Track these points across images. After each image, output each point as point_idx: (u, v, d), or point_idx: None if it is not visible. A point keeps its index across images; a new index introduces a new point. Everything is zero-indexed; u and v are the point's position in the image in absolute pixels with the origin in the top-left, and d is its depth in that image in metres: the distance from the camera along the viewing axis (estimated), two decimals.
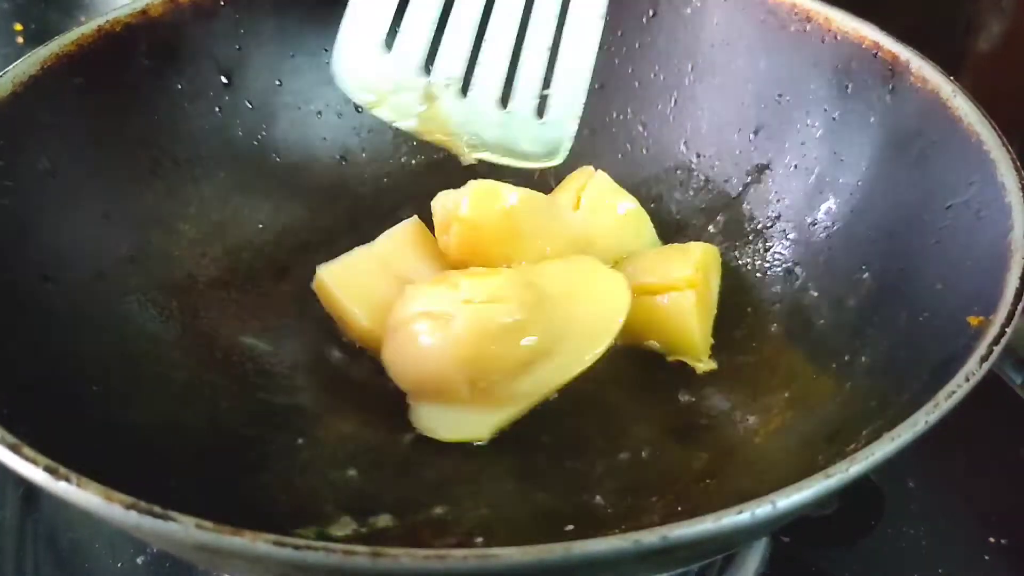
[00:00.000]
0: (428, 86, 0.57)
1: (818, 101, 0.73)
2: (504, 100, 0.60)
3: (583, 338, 0.62)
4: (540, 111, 0.61)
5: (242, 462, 0.62)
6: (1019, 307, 0.53)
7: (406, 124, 0.58)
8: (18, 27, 1.10)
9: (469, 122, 0.59)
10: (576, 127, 0.63)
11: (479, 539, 0.59)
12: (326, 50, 0.79)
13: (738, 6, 0.76)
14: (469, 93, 0.58)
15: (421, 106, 0.57)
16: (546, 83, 0.62)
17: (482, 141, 0.60)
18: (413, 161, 0.81)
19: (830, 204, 0.71)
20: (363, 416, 0.66)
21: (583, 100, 0.62)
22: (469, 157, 0.61)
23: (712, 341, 0.69)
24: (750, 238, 0.75)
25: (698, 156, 0.78)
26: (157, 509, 0.44)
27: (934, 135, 0.66)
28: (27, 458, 0.47)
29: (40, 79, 0.66)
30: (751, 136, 0.76)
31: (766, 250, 0.75)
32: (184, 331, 0.69)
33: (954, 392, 0.50)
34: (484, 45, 0.58)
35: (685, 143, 0.79)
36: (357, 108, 0.80)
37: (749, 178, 0.76)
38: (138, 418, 0.62)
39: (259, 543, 0.42)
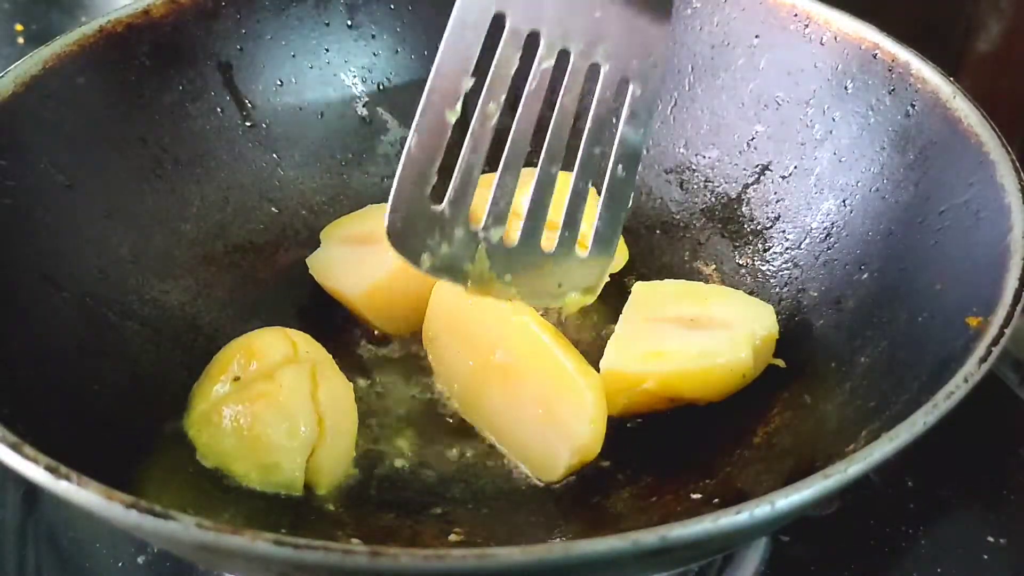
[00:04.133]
0: (476, 238, 0.58)
1: (818, 102, 0.73)
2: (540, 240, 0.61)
3: None
4: (582, 247, 0.63)
5: None
6: (1018, 308, 0.53)
7: (460, 284, 0.59)
8: (19, 27, 1.11)
9: (513, 271, 0.60)
10: (612, 260, 0.64)
11: (479, 539, 0.60)
12: (327, 50, 0.80)
13: (738, 7, 0.76)
14: (515, 241, 0.60)
15: (470, 262, 0.59)
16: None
17: (526, 290, 0.61)
18: None
19: (829, 205, 0.71)
20: (364, 416, 0.66)
21: (620, 231, 0.63)
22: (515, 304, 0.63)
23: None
24: (750, 238, 0.76)
25: (698, 156, 0.78)
26: (157, 509, 0.44)
27: (934, 136, 0.66)
28: (28, 457, 0.47)
29: (42, 79, 0.66)
30: (751, 137, 0.76)
31: (766, 250, 0.75)
32: (186, 331, 0.69)
33: (953, 393, 0.50)
34: (532, 193, 0.60)
35: (685, 144, 0.79)
36: (358, 109, 0.81)
37: (749, 179, 0.76)
38: (139, 418, 0.62)
39: (259, 542, 0.42)
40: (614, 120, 0.61)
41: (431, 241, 0.57)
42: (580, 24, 0.59)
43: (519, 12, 0.57)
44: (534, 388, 0.63)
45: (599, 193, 0.62)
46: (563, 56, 0.59)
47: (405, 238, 0.57)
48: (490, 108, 0.58)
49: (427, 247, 0.57)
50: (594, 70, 0.60)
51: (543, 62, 0.58)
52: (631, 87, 0.61)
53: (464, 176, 0.58)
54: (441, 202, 0.57)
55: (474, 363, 0.66)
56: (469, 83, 0.57)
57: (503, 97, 0.58)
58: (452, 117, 0.56)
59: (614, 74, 0.61)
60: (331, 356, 0.66)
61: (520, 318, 0.63)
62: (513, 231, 0.60)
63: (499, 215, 0.59)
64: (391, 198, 0.56)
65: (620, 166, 0.61)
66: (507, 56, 0.57)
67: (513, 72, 0.58)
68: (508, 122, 0.58)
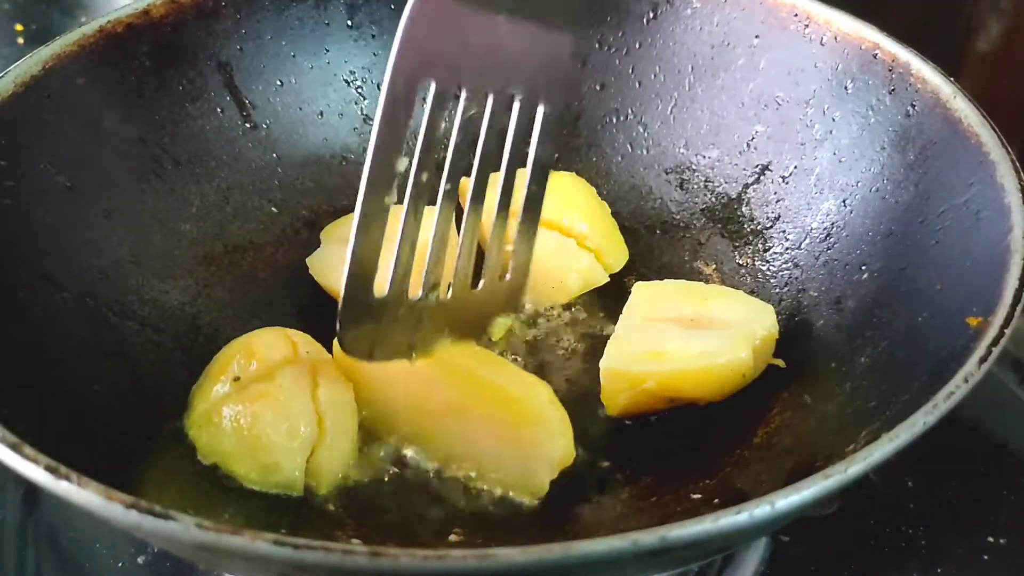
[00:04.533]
0: (417, 308, 0.58)
1: (818, 102, 0.73)
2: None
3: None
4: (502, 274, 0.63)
5: None
6: (1018, 308, 0.53)
7: (407, 358, 0.59)
8: (19, 28, 1.11)
9: (451, 322, 0.60)
10: (529, 272, 0.64)
11: (479, 539, 0.60)
12: (327, 50, 0.80)
13: (738, 7, 0.76)
14: (449, 293, 0.60)
15: (416, 331, 0.58)
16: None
17: (458, 332, 0.61)
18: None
19: (829, 205, 0.72)
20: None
21: (534, 245, 0.63)
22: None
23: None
24: (750, 238, 0.76)
25: (698, 156, 0.79)
26: (157, 509, 0.44)
27: (934, 136, 0.66)
28: (28, 457, 0.47)
29: (42, 79, 0.66)
30: (751, 137, 0.76)
31: (766, 250, 0.75)
32: (186, 331, 0.69)
33: (953, 393, 0.50)
34: (461, 242, 0.59)
35: (685, 144, 0.79)
36: (358, 109, 0.81)
37: (749, 179, 0.76)
38: (139, 418, 0.62)
39: (258, 542, 0.42)
40: (527, 146, 0.60)
41: (379, 332, 0.56)
42: (498, 65, 0.57)
43: (442, 73, 0.55)
44: (489, 422, 0.61)
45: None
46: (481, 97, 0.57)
47: (358, 342, 0.55)
48: (423, 178, 0.55)
49: (375, 337, 0.56)
50: (508, 101, 0.59)
51: (466, 113, 0.57)
52: (541, 108, 0.60)
53: (404, 254, 0.56)
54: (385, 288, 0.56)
55: (412, 416, 0.64)
56: (403, 163, 0.54)
57: (433, 164, 0.55)
58: (390, 202, 0.54)
59: (527, 101, 0.59)
60: (331, 356, 0.66)
61: (447, 361, 0.61)
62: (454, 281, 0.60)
63: (436, 280, 0.58)
64: (341, 307, 0.53)
65: (535, 184, 0.61)
66: (434, 121, 0.55)
67: (439, 134, 0.55)
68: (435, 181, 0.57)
